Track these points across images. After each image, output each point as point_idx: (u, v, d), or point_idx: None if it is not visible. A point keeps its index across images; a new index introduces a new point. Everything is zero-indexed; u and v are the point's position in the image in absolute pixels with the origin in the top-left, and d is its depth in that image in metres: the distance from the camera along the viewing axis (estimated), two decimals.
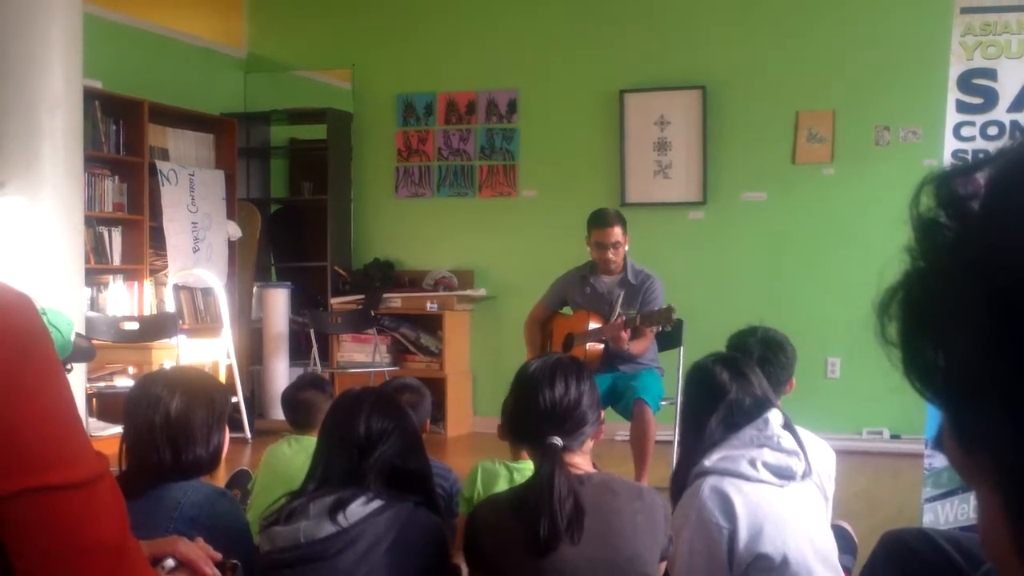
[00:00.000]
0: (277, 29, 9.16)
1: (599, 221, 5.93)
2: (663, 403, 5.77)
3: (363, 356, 8.32)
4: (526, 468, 3.12)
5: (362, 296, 8.46)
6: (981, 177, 0.57)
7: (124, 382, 7.22)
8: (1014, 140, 0.57)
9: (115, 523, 1.17)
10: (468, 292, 8.44)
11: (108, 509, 1.16)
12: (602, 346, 5.81)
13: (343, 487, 2.56)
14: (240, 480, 4.58)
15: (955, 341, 0.55)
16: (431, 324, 8.38)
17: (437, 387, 7.68)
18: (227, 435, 2.70)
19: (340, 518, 2.51)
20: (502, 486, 3.09)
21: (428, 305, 8.31)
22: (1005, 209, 0.54)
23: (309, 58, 9.07)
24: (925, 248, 0.58)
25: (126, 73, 7.86)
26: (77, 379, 5.76)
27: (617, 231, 5.86)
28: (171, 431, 2.56)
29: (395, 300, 8.41)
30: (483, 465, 3.27)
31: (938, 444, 0.60)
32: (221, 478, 4.60)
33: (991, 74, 4.61)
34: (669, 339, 6.04)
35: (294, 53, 9.11)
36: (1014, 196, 0.54)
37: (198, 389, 2.65)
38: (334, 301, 8.59)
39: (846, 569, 3.21)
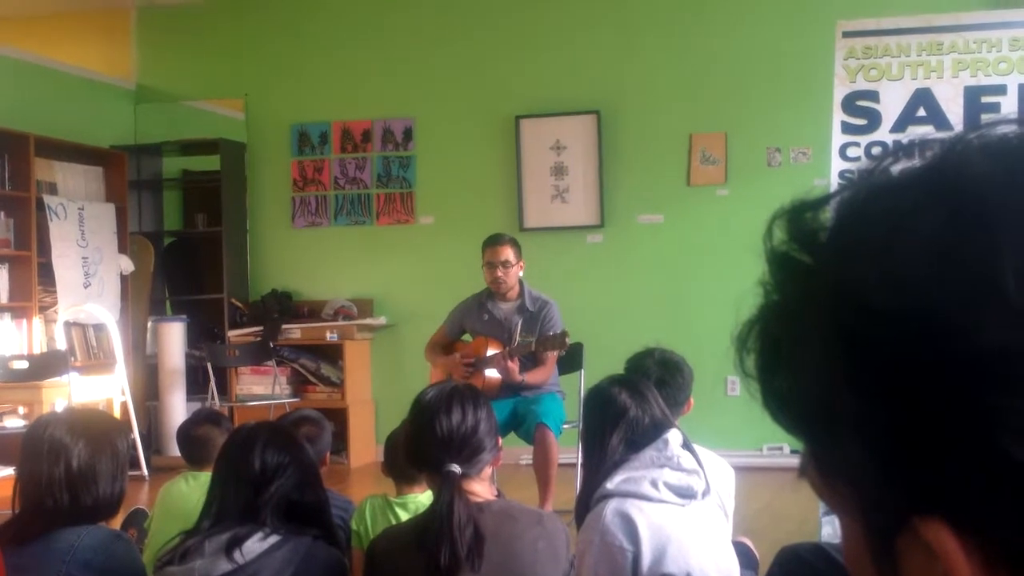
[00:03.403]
0: (167, 60, 9.03)
1: (490, 240, 5.98)
2: (565, 426, 5.79)
3: (263, 388, 8.20)
4: (410, 502, 3.13)
5: (260, 328, 8.34)
6: (832, 208, 0.57)
7: (15, 423, 7.04)
8: (864, 168, 0.57)
9: None
10: (368, 321, 8.38)
11: None
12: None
13: (239, 523, 2.52)
14: (136, 519, 4.47)
15: (807, 374, 0.55)
16: (331, 354, 8.30)
17: (339, 417, 7.60)
18: (128, 479, 2.66)
19: (236, 555, 2.46)
20: (390, 520, 3.09)
21: (328, 335, 8.23)
22: (850, 240, 0.54)
23: (200, 88, 8.95)
24: (778, 281, 0.58)
25: (11, 107, 7.68)
26: None
27: (507, 250, 5.89)
28: (72, 480, 2.52)
29: (294, 331, 8.31)
30: (371, 500, 3.27)
31: (802, 473, 0.61)
32: (117, 518, 4.49)
33: (873, 96, 4.73)
34: (569, 363, 6.07)
35: (185, 83, 8.98)
36: (858, 227, 0.54)
37: (101, 436, 2.59)
38: (231, 334, 8.45)
39: None
